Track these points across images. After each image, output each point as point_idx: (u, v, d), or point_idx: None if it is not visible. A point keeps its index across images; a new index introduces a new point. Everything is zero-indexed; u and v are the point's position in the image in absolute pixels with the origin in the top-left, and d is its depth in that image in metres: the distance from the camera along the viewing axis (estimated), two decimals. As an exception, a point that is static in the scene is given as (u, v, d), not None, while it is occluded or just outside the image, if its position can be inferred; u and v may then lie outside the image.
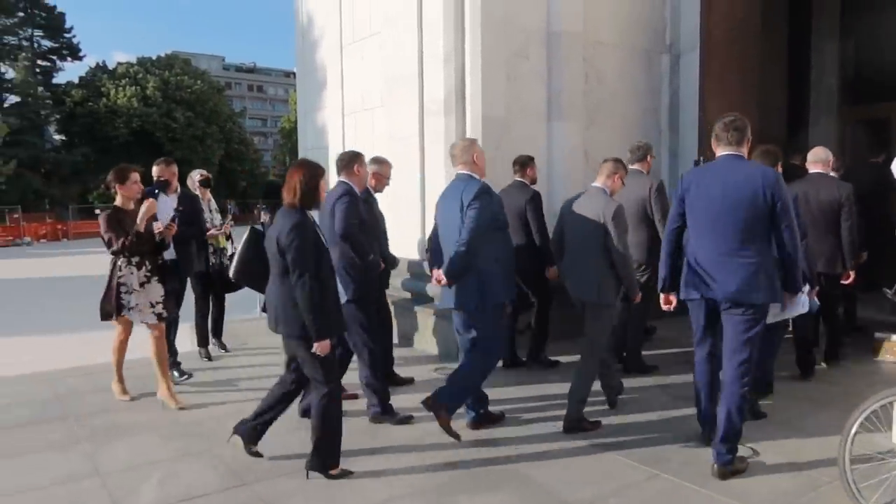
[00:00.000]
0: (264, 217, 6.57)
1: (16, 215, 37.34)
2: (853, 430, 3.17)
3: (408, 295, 6.71)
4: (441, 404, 4.03)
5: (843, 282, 5.30)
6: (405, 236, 6.82)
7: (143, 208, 4.82)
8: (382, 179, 5.39)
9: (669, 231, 3.80)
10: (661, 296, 3.90)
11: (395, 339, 6.22)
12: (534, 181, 5.64)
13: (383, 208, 5.49)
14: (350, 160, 4.63)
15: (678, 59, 7.66)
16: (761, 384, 4.51)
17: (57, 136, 49.19)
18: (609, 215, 4.18)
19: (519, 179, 5.58)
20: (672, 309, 3.88)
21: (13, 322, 10.12)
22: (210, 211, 6.23)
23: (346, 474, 3.67)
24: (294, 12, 13.34)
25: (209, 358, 6.26)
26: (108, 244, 4.80)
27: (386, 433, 4.31)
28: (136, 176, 4.97)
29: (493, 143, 6.25)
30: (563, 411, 4.31)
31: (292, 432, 4.21)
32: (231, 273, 4.18)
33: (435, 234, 4.44)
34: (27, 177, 41.40)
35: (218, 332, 6.58)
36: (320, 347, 3.45)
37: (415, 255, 6.78)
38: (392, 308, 6.40)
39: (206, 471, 3.81)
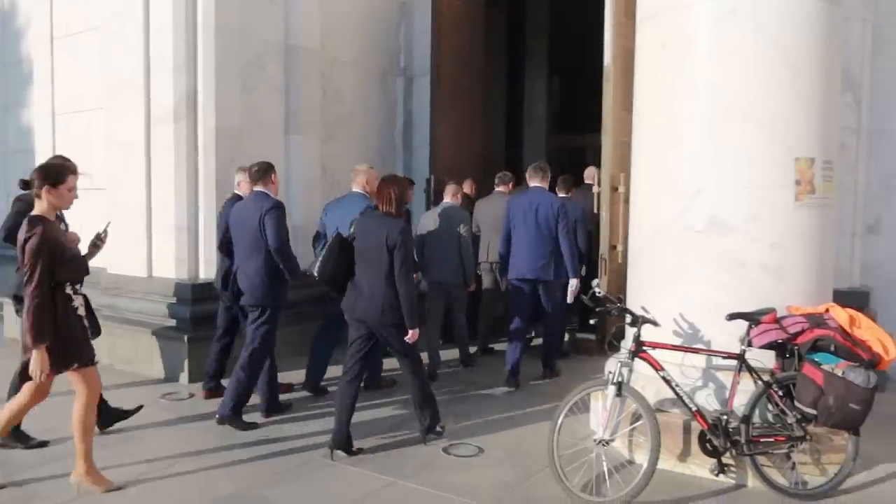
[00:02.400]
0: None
1: None
2: (560, 421, 3.60)
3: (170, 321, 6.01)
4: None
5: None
6: (129, 250, 6.23)
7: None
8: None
9: (504, 234, 5.62)
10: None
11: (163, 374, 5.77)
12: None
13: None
14: (266, 170, 4.68)
15: (412, 83, 8.09)
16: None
17: None
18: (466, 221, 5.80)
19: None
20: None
21: None
22: None
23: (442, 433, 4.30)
24: (-10, -7, 11.55)
25: None
26: (31, 274, 3.35)
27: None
28: (74, 179, 3.58)
29: (228, 154, 6.01)
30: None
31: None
32: (317, 271, 4.18)
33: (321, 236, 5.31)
34: None
35: None
36: (414, 335, 4.06)
37: (142, 271, 6.23)
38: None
39: None
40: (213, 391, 5.16)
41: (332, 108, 7.23)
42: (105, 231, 3.98)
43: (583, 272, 6.07)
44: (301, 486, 3.72)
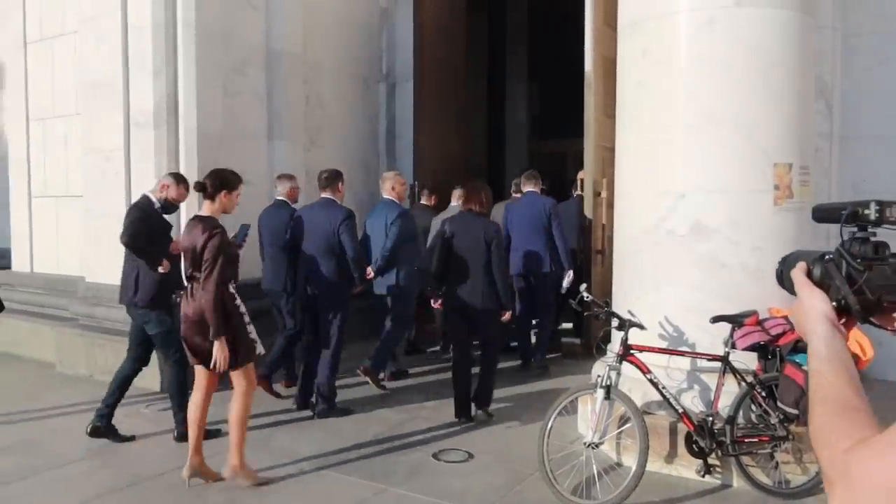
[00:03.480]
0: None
1: None
2: (549, 425, 3.63)
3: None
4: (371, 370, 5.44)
5: None
6: (108, 259, 6.14)
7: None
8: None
9: (504, 236, 5.86)
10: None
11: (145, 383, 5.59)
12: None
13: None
14: (335, 177, 5.04)
15: (394, 88, 8.10)
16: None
17: None
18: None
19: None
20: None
21: None
22: None
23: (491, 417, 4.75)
24: (-41, -3, 11.34)
25: None
26: (211, 270, 3.56)
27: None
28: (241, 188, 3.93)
29: (210, 159, 5.94)
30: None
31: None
32: (433, 269, 4.75)
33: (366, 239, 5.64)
34: None
35: None
36: (508, 315, 4.83)
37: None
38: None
39: None
40: (291, 381, 5.48)
41: (315, 113, 7.21)
42: (245, 233, 4.33)
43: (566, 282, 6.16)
44: (292, 494, 3.70)
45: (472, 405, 4.76)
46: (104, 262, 6.19)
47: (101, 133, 6.21)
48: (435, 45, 7.80)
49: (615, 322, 3.73)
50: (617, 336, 3.78)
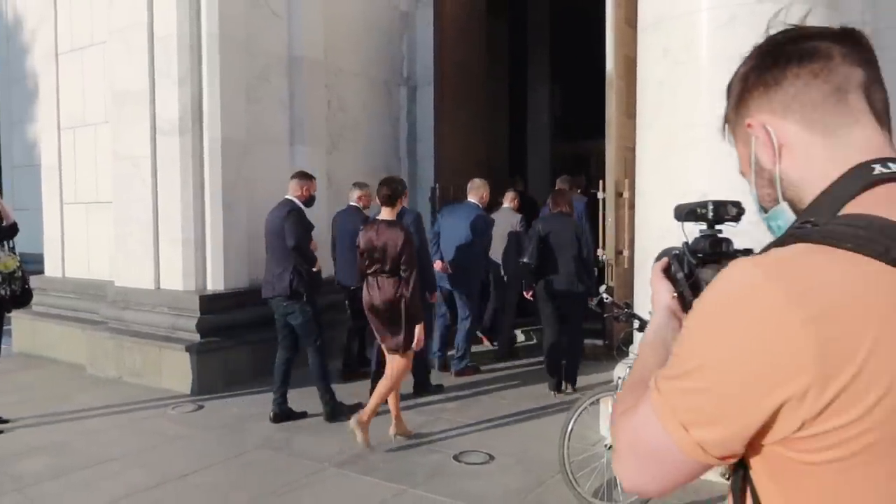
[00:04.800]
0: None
1: None
2: (570, 427, 3.61)
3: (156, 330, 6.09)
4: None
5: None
6: (136, 263, 6.27)
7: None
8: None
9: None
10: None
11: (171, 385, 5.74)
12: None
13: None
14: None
15: (415, 92, 8.13)
16: None
17: None
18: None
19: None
20: None
21: None
22: None
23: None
24: (-5, 10, 11.64)
25: None
26: (412, 268, 4.24)
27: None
28: None
29: (233, 165, 6.05)
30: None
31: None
32: (532, 262, 5.32)
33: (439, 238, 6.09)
34: None
35: None
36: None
37: (149, 284, 6.25)
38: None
39: None
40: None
41: (337, 118, 7.28)
42: None
43: None
44: (312, 495, 3.74)
45: (562, 382, 5.42)
46: (132, 266, 6.32)
47: (129, 141, 6.34)
48: (455, 48, 7.81)
49: (636, 324, 3.69)
50: (638, 338, 3.75)
